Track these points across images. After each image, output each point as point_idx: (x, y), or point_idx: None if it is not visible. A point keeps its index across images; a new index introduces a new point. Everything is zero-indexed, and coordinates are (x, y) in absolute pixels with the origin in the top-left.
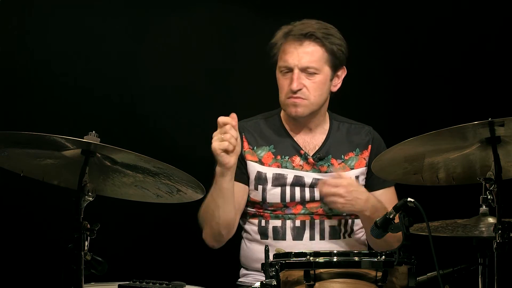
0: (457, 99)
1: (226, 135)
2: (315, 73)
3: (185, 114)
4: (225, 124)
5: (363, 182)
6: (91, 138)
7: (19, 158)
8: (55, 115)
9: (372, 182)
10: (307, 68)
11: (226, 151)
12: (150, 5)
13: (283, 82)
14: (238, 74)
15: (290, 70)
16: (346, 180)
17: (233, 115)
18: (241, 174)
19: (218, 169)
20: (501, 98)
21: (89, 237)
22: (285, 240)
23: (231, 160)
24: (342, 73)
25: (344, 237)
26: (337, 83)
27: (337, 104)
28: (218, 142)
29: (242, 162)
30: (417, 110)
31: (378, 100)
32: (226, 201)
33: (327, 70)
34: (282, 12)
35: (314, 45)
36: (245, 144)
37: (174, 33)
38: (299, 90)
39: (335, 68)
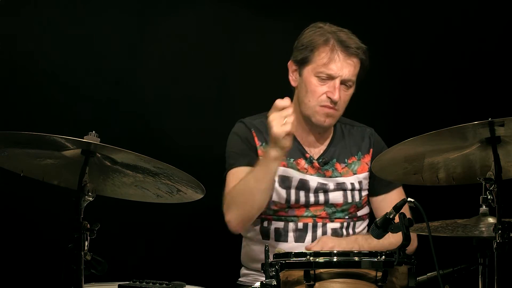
0: (457, 99)
1: (290, 118)
2: (351, 86)
3: (185, 114)
4: (283, 107)
5: (366, 187)
6: (91, 138)
7: (19, 158)
8: (55, 115)
9: (375, 187)
10: (348, 81)
11: (288, 134)
12: (150, 6)
13: (318, 87)
14: (238, 74)
15: (331, 78)
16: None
17: (287, 99)
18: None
19: (274, 153)
20: (501, 98)
21: (89, 237)
22: (287, 242)
23: (290, 142)
24: None
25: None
26: None
27: None
28: (280, 127)
29: (255, 153)
30: (417, 110)
31: (378, 100)
32: (270, 185)
33: (355, 83)
34: (283, 12)
35: (356, 59)
36: (256, 139)
37: (174, 33)
38: (337, 101)
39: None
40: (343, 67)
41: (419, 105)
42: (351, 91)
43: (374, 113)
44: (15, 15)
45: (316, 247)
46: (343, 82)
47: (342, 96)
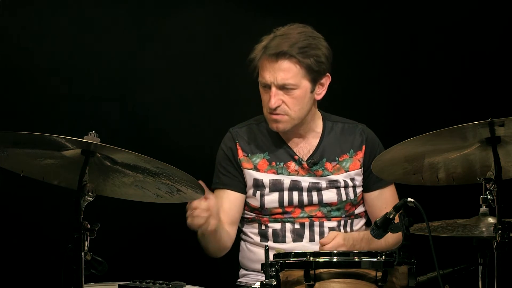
0: (457, 99)
1: (199, 211)
2: (293, 89)
3: (185, 114)
4: (194, 208)
5: (360, 184)
6: (91, 138)
7: (19, 158)
8: (55, 115)
9: (368, 183)
10: (284, 85)
11: (202, 224)
12: (151, 6)
13: (264, 96)
14: (238, 74)
15: (268, 87)
16: (331, 241)
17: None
18: (238, 183)
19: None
20: (501, 98)
21: (89, 237)
22: (285, 242)
23: (211, 225)
24: (326, 80)
25: None
26: (321, 91)
27: (337, 104)
28: (190, 221)
29: (238, 170)
30: (417, 110)
31: (378, 100)
32: (217, 240)
33: (305, 84)
34: (283, 12)
35: (288, 62)
36: (240, 151)
37: (174, 34)
38: (278, 107)
39: (315, 80)
40: (274, 73)
41: (419, 105)
42: (297, 93)
43: (373, 113)
44: (15, 14)
45: (329, 246)
46: (281, 88)
47: (286, 99)
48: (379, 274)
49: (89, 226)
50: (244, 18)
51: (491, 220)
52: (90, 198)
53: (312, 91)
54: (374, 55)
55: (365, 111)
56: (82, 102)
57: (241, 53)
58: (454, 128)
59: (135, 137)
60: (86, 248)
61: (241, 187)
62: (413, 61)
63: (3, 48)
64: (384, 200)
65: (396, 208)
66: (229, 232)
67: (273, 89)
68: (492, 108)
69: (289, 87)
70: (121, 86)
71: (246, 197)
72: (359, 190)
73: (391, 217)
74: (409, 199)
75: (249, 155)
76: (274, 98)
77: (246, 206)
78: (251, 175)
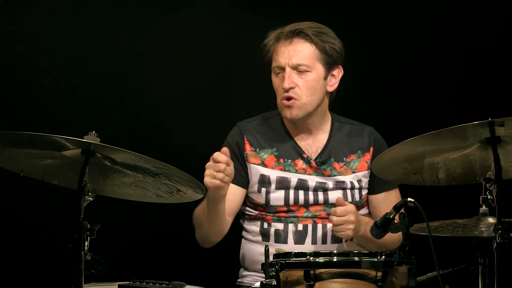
0: (457, 99)
1: (219, 174)
2: (307, 71)
3: (186, 114)
4: (219, 161)
5: (366, 186)
6: (91, 138)
7: (19, 158)
8: (55, 115)
9: (374, 185)
10: (298, 65)
11: (218, 187)
12: (150, 5)
13: (277, 83)
14: (238, 74)
15: (282, 69)
16: (351, 206)
17: (226, 150)
18: (240, 177)
19: (210, 194)
20: (501, 98)
21: (89, 237)
22: (287, 243)
23: (224, 191)
24: (339, 72)
25: (346, 241)
26: (333, 83)
27: (338, 103)
28: (210, 179)
29: (242, 165)
30: (417, 110)
31: (378, 100)
32: (219, 218)
33: (319, 68)
34: (283, 13)
35: (304, 43)
36: (247, 146)
37: (174, 33)
38: (291, 88)
39: (329, 66)
40: (289, 53)
41: (419, 105)
42: (310, 76)
43: (374, 112)
44: (15, 15)
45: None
46: (294, 68)
47: (300, 83)
48: (379, 274)
49: (89, 226)
50: (245, 18)
51: (491, 220)
52: (90, 198)
53: (325, 77)
54: (374, 55)
55: (365, 111)
56: (82, 102)
57: (242, 52)
58: (454, 128)
59: (135, 137)
60: (86, 248)
61: (243, 182)
62: (413, 61)
63: (3, 48)
64: (389, 202)
65: (396, 208)
66: (227, 219)
67: (287, 69)
68: (492, 108)
69: (303, 68)
70: (121, 86)
71: (250, 193)
72: (364, 192)
73: (391, 217)
74: (409, 199)
75: (257, 150)
76: (288, 79)
77: (250, 202)
78: (258, 170)
